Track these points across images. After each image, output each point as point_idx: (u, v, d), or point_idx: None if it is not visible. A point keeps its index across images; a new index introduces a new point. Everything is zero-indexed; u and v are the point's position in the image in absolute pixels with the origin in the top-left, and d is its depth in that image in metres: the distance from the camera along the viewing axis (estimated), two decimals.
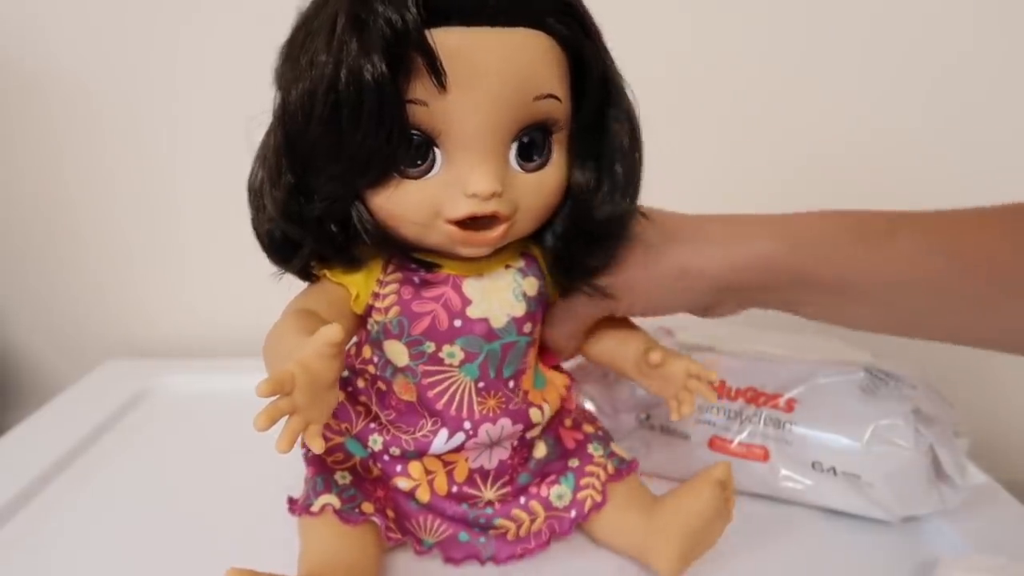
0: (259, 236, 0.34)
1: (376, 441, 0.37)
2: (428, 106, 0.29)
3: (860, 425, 0.42)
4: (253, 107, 0.67)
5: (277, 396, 0.25)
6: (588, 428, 0.42)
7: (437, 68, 0.28)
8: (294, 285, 0.44)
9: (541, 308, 0.38)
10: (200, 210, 0.69)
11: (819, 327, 0.54)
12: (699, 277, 0.36)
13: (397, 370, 0.36)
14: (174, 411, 0.59)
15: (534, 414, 0.38)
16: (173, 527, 0.43)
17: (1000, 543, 0.41)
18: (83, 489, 0.47)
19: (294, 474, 0.39)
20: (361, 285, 0.35)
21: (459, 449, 0.37)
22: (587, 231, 0.34)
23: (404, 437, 0.37)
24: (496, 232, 0.32)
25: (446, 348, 0.35)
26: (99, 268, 0.71)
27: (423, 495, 0.37)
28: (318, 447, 0.26)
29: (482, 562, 0.38)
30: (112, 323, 0.74)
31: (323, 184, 0.31)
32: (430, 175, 0.31)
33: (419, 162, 0.30)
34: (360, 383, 0.38)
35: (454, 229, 0.31)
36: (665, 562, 0.36)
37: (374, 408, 0.38)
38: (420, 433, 0.36)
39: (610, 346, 0.40)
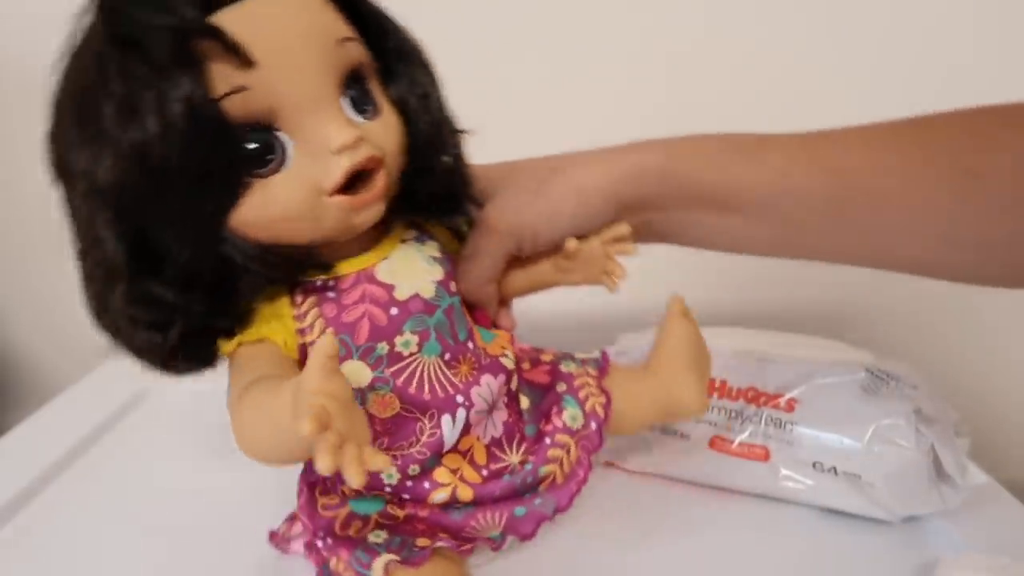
0: (133, 350, 0.31)
1: (391, 476, 0.35)
2: (250, 89, 0.27)
3: (861, 425, 0.42)
4: None
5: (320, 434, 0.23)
6: (546, 357, 0.41)
7: (235, 46, 0.26)
8: None
9: (453, 266, 0.37)
10: None
11: (819, 328, 0.54)
12: (593, 193, 0.37)
13: (365, 392, 0.34)
14: (174, 411, 0.59)
15: (505, 361, 0.37)
16: (173, 527, 0.43)
17: (1000, 543, 0.41)
18: (83, 489, 0.47)
19: (294, 472, 0.39)
20: (280, 330, 0.32)
21: (466, 430, 0.35)
22: (427, 162, 0.34)
23: (413, 450, 0.35)
24: (379, 180, 0.31)
25: (398, 340, 0.34)
26: None
27: (464, 493, 0.35)
28: (382, 463, 0.24)
29: (551, 518, 0.37)
30: None
31: (176, 235, 0.28)
32: (287, 163, 0.29)
33: (269, 157, 0.28)
34: None
35: (341, 199, 0.29)
36: (689, 393, 0.39)
37: None
38: (425, 436, 0.35)
39: (523, 272, 0.40)
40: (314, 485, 0.36)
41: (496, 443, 0.37)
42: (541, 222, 0.37)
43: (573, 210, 0.37)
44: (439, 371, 0.35)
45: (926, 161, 0.33)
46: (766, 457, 0.44)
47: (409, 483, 0.35)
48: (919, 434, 0.41)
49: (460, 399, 0.35)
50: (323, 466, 0.22)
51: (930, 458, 0.42)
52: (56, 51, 0.28)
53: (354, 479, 0.23)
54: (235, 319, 0.31)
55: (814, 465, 0.43)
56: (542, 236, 0.38)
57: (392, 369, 0.34)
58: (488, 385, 0.36)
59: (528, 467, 0.37)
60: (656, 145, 0.37)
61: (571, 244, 0.37)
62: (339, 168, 0.29)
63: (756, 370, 0.47)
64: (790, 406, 0.44)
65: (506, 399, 0.38)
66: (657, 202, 0.37)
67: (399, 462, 0.34)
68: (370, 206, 0.31)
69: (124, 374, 0.63)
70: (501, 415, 0.38)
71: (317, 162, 0.29)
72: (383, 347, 0.33)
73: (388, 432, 0.34)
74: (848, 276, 0.69)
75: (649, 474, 0.48)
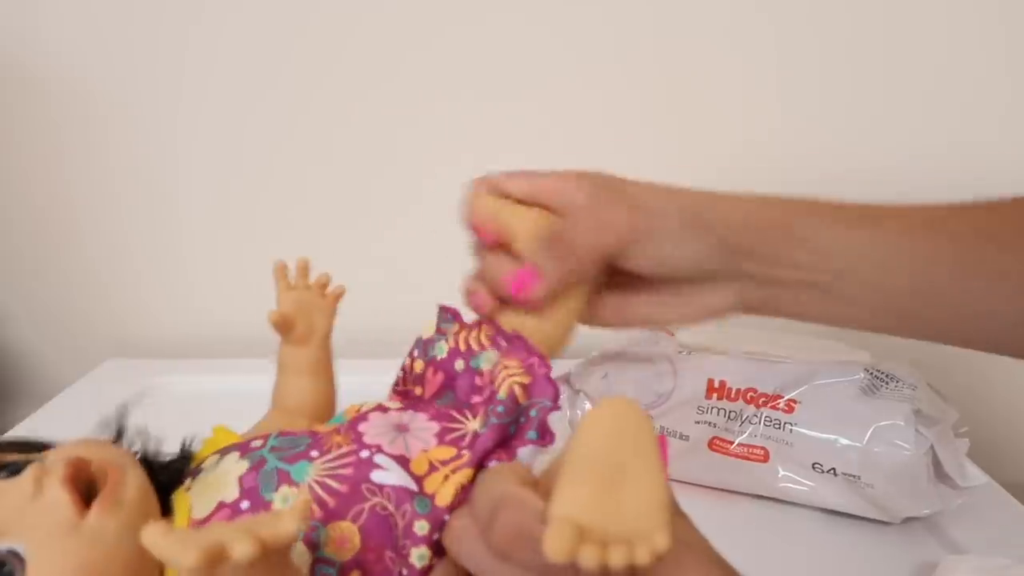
0: None
1: (423, 558, 0.30)
2: None
3: (860, 426, 0.42)
4: (254, 107, 0.68)
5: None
6: (419, 367, 0.38)
7: None
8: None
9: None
10: (200, 210, 0.69)
11: (819, 328, 0.54)
12: (714, 223, 0.34)
13: (317, 557, 0.30)
14: (174, 411, 0.58)
15: (365, 408, 0.35)
16: None
17: (1000, 543, 0.41)
18: None
19: None
20: None
21: (405, 461, 0.32)
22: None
23: (403, 521, 0.30)
24: (104, 472, 0.28)
25: (276, 507, 0.30)
26: (99, 268, 0.71)
27: (465, 475, 0.31)
28: (292, 519, 0.23)
29: (557, 407, 0.33)
30: (112, 323, 0.73)
31: None
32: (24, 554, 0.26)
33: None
34: None
35: (94, 505, 0.27)
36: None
37: None
38: (390, 503, 0.30)
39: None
40: None
41: (444, 432, 0.33)
42: (645, 243, 0.34)
43: (680, 238, 0.34)
44: (326, 469, 0.31)
45: None
46: (766, 458, 0.44)
47: (436, 536, 0.30)
48: (918, 435, 0.41)
49: (364, 454, 0.31)
50: (242, 550, 0.21)
51: (929, 458, 0.42)
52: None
53: (245, 548, 0.21)
54: None
55: (814, 466, 0.43)
56: (646, 263, 0.35)
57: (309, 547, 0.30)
58: (369, 427, 0.33)
59: (491, 409, 0.33)
60: (772, 199, 0.35)
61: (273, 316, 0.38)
62: (54, 487, 0.27)
63: (756, 371, 0.47)
64: (789, 407, 0.44)
65: (407, 414, 0.35)
66: (768, 253, 0.35)
67: (408, 542, 0.30)
68: (124, 482, 0.28)
69: (124, 374, 0.63)
70: (419, 420, 0.34)
71: (39, 514, 0.26)
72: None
73: (374, 545, 0.30)
74: None
75: None
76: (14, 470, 0.28)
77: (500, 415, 0.32)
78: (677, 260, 0.35)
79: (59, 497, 0.26)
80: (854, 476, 0.42)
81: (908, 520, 0.43)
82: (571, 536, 0.22)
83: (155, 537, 0.21)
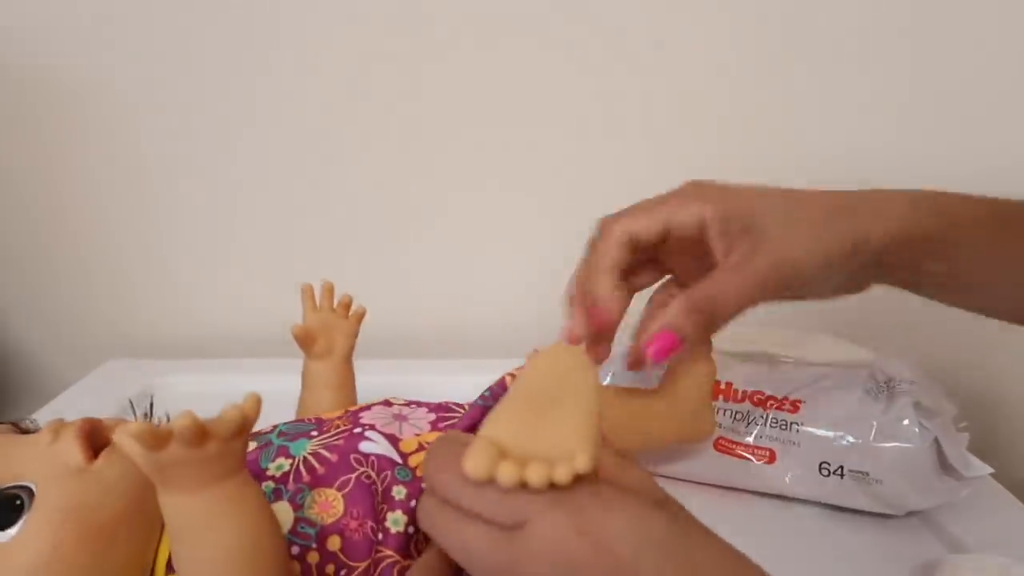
0: None
1: (398, 522, 0.31)
2: None
3: (865, 422, 0.42)
4: (255, 110, 0.67)
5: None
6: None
7: None
8: (294, 286, 0.44)
9: None
10: (200, 212, 0.69)
11: (822, 327, 0.54)
12: (865, 243, 0.31)
13: (300, 519, 0.31)
14: (174, 411, 0.58)
15: (373, 400, 0.37)
16: None
17: (1001, 542, 0.41)
18: None
19: None
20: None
21: (394, 440, 0.34)
22: None
23: (382, 487, 0.32)
24: (110, 425, 0.30)
25: (269, 473, 0.32)
26: (99, 269, 0.71)
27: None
28: (254, 403, 0.26)
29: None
30: (112, 323, 0.73)
31: None
32: (35, 491, 0.28)
33: (18, 506, 0.28)
34: None
35: (102, 454, 0.29)
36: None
37: None
38: (373, 471, 0.32)
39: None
40: None
41: (439, 420, 0.36)
42: (811, 282, 0.32)
43: (844, 271, 0.32)
44: (322, 442, 0.33)
45: None
46: (772, 459, 0.45)
47: (413, 503, 0.32)
48: (922, 428, 0.42)
49: (357, 430, 0.34)
50: (180, 424, 0.23)
51: (934, 450, 0.42)
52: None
53: (184, 422, 0.24)
54: None
55: (821, 467, 0.43)
56: (811, 292, 0.33)
57: (290, 483, 0.32)
58: (369, 413, 0.35)
59: (487, 392, 0.35)
60: (922, 202, 0.33)
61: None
62: (69, 439, 0.29)
63: (761, 373, 0.47)
64: (795, 407, 0.45)
65: (409, 408, 0.37)
66: (915, 267, 0.34)
67: (385, 506, 0.32)
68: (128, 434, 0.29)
69: (124, 374, 0.63)
70: (418, 412, 0.36)
71: (51, 457, 0.29)
72: (267, 485, 0.32)
73: (359, 514, 0.31)
74: None
75: (651, 475, 0.48)
76: (36, 431, 0.31)
77: (485, 398, 0.35)
78: (831, 290, 0.34)
79: (71, 445, 0.29)
80: (862, 473, 0.42)
81: (910, 517, 0.43)
82: (490, 453, 0.22)
83: (123, 431, 0.24)
